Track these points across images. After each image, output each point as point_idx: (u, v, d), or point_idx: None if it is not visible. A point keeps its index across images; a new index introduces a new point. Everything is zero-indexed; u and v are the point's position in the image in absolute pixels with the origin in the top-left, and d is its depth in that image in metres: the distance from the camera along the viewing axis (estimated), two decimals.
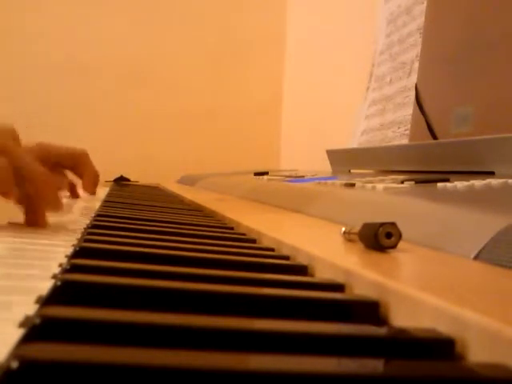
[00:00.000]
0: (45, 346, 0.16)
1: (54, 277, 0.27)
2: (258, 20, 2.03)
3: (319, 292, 0.26)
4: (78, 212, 0.71)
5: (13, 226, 0.49)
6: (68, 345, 0.16)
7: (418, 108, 0.88)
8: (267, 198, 0.70)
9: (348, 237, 0.36)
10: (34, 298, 0.24)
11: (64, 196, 0.87)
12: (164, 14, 1.94)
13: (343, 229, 0.37)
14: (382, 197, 0.52)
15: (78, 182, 0.91)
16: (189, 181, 1.31)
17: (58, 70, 1.84)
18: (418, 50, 0.95)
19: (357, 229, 0.35)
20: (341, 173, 1.00)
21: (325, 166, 1.13)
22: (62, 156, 0.87)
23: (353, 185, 0.61)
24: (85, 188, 0.88)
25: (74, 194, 0.91)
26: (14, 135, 0.52)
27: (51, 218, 0.51)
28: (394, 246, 0.32)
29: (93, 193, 0.88)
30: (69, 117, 1.85)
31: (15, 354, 0.15)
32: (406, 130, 0.94)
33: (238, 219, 0.53)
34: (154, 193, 1.09)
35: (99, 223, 0.46)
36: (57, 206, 0.51)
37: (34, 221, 0.49)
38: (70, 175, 0.91)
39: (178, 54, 1.95)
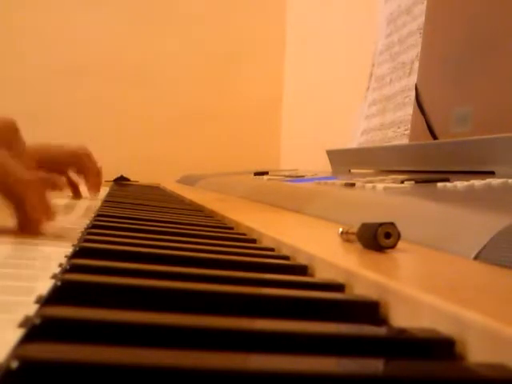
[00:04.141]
0: (45, 346, 0.16)
1: (54, 277, 0.27)
2: (257, 20, 2.03)
3: (319, 292, 0.26)
4: (78, 212, 0.71)
5: (12, 226, 0.49)
6: (68, 345, 0.16)
7: (418, 108, 0.88)
8: (267, 198, 0.70)
9: (345, 237, 0.36)
10: (33, 298, 0.24)
11: (65, 196, 0.88)
12: (164, 15, 1.93)
13: (340, 229, 0.37)
14: (382, 197, 0.52)
15: (81, 181, 0.91)
16: (189, 181, 1.31)
17: (57, 70, 1.84)
18: (418, 50, 0.95)
19: (354, 229, 0.35)
20: (341, 173, 1.00)
21: (325, 166, 1.13)
22: (64, 157, 0.87)
23: (353, 185, 0.61)
24: (89, 189, 0.88)
25: (77, 195, 0.91)
26: (13, 128, 0.51)
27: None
28: (392, 246, 0.32)
29: (97, 192, 0.89)
30: (69, 117, 1.85)
31: (15, 354, 0.15)
32: (406, 130, 0.94)
33: (237, 219, 0.53)
34: (154, 193, 1.09)
35: (99, 223, 0.46)
36: (47, 214, 0.49)
37: (26, 228, 0.48)
38: (73, 174, 0.91)
39: (179, 55, 1.95)
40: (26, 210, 0.46)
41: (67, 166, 0.89)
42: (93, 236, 0.39)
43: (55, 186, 0.78)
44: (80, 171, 0.90)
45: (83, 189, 0.91)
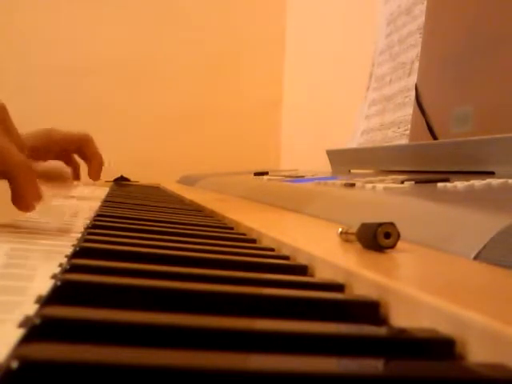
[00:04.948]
0: (45, 345, 0.16)
1: (54, 277, 0.27)
2: (257, 20, 2.03)
3: (319, 292, 0.26)
4: (77, 212, 0.71)
5: (13, 225, 0.49)
6: (68, 345, 0.16)
7: (418, 108, 0.88)
8: (267, 197, 0.70)
9: (345, 237, 0.36)
10: (33, 298, 0.24)
11: (69, 184, 0.89)
12: (164, 15, 1.94)
13: (340, 229, 0.37)
14: (382, 197, 0.52)
15: (82, 164, 0.93)
16: (189, 181, 1.31)
17: (57, 70, 1.84)
18: (418, 50, 0.95)
19: (354, 229, 0.35)
20: (341, 173, 1.00)
21: (325, 166, 1.13)
22: (67, 142, 0.89)
23: (353, 185, 0.61)
24: (90, 175, 0.90)
25: (77, 176, 0.93)
26: (3, 108, 0.52)
27: (51, 218, 0.51)
28: (392, 246, 0.32)
29: (97, 179, 0.91)
30: (69, 117, 1.85)
31: (15, 354, 0.15)
32: (405, 130, 0.94)
33: (237, 219, 0.53)
34: (154, 193, 1.09)
35: (99, 223, 0.46)
36: (37, 198, 0.51)
37: (18, 203, 0.50)
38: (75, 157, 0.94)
39: (179, 55, 1.95)
40: (18, 189, 0.48)
41: (70, 151, 0.91)
42: (93, 236, 0.39)
43: (62, 178, 0.80)
44: (83, 157, 0.92)
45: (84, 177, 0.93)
